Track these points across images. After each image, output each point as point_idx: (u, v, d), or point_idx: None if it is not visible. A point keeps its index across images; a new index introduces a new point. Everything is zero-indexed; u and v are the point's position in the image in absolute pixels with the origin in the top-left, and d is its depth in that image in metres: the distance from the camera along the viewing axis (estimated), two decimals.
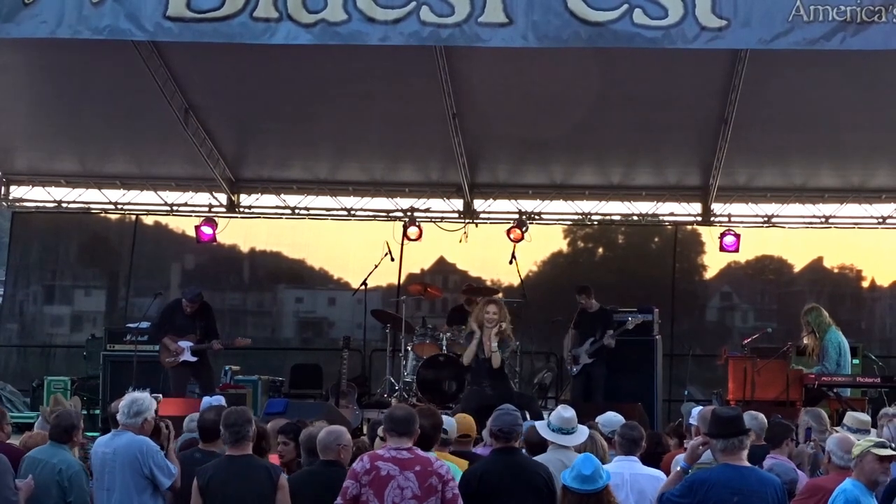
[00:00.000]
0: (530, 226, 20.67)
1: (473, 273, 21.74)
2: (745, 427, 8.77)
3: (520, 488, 9.29)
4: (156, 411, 10.46)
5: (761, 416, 11.16)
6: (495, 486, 9.25)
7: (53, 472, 10.14)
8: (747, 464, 8.69)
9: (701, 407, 11.34)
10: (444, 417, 10.96)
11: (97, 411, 16.94)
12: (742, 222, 21.19)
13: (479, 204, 21.43)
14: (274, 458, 10.52)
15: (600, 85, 17.25)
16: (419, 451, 8.82)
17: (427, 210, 21.46)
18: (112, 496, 9.97)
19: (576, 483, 8.56)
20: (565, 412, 10.44)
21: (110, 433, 10.39)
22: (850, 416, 11.24)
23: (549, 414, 10.88)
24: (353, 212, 21.59)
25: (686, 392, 18.54)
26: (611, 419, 11.21)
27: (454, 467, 9.35)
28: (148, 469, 9.94)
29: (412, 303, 20.25)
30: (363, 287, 19.57)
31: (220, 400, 12.86)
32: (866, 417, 11.32)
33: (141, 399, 10.33)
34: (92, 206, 21.89)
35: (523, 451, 10.13)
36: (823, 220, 21.11)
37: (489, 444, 10.44)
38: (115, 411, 11.04)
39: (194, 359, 17.36)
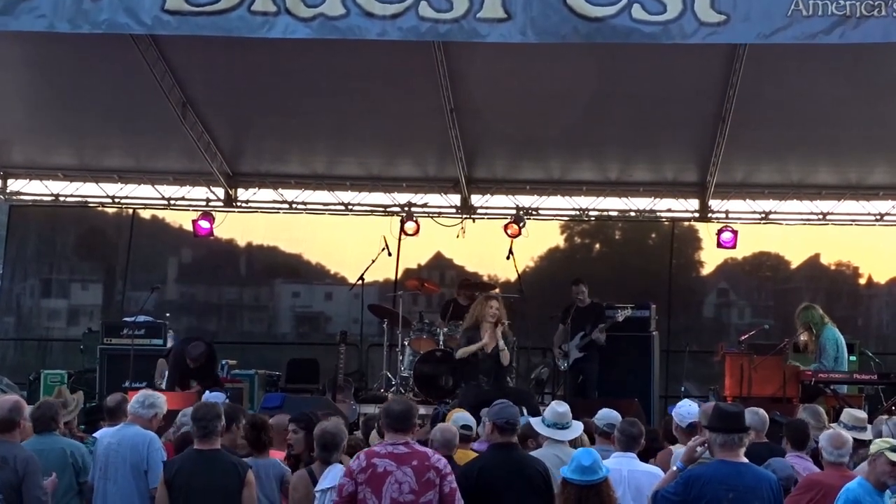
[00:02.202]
0: (527, 221, 20.65)
1: (470, 268, 21.80)
2: (745, 425, 8.82)
3: (517, 483, 9.36)
4: None
5: (762, 412, 11.16)
6: (493, 482, 9.32)
7: (66, 457, 10.25)
8: (744, 460, 8.70)
9: (699, 403, 11.25)
10: (465, 415, 11.06)
11: (93, 404, 16.87)
12: (739, 218, 21.15)
13: (476, 199, 21.40)
14: (277, 454, 10.56)
15: (598, 81, 17.21)
16: (416, 446, 8.81)
17: (424, 205, 21.38)
18: (113, 486, 10.05)
19: (575, 475, 8.60)
20: (559, 407, 10.60)
21: (119, 424, 10.50)
22: (847, 413, 11.26)
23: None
24: (350, 207, 21.57)
25: (682, 388, 18.51)
26: (607, 414, 11.26)
27: None
28: (145, 464, 10.03)
29: (409, 298, 20.30)
30: (360, 282, 19.57)
31: (220, 396, 13.05)
32: (863, 414, 11.36)
33: (155, 395, 10.59)
34: (89, 199, 21.85)
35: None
36: (821, 216, 21.06)
37: (484, 440, 10.46)
38: (111, 405, 11.40)
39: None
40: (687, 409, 10.70)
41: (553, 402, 10.99)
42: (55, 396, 12.23)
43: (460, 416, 11.11)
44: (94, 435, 11.19)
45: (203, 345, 17.19)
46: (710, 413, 9.16)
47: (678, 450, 10.13)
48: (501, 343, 15.03)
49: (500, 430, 9.64)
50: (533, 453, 10.13)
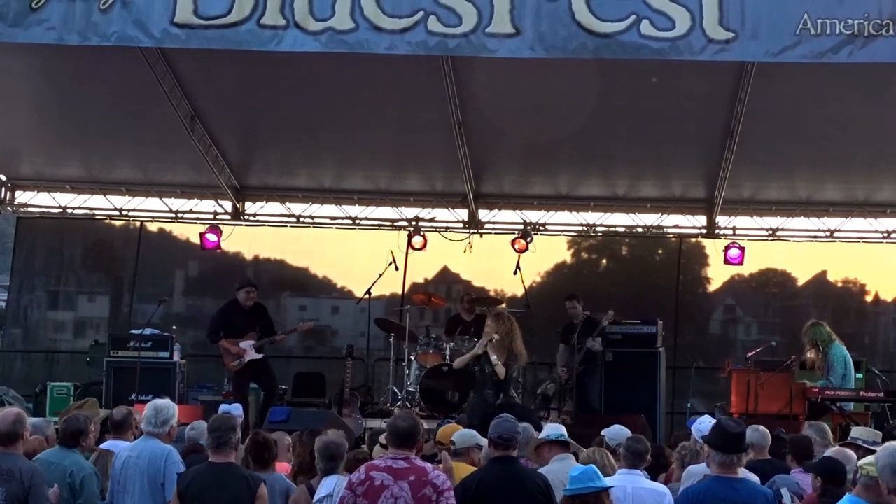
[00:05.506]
0: (535, 236, 20.61)
1: (477, 283, 21.73)
2: (745, 446, 8.88)
3: (517, 497, 9.29)
4: None
5: (763, 429, 11.18)
6: (492, 495, 9.26)
7: (64, 475, 10.18)
8: (740, 475, 8.76)
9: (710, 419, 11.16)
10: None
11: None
12: (747, 235, 21.13)
13: (483, 214, 21.38)
14: (282, 468, 10.62)
15: (607, 96, 17.18)
16: (416, 461, 8.74)
17: (432, 220, 21.44)
18: (130, 498, 10.05)
19: (568, 484, 8.62)
20: (552, 423, 10.97)
21: (140, 437, 10.46)
22: (860, 430, 11.36)
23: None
24: (357, 220, 21.56)
25: (689, 405, 18.52)
26: (618, 432, 11.29)
27: None
28: (163, 477, 9.99)
29: (416, 312, 20.37)
30: (367, 296, 19.49)
31: (238, 408, 13.01)
32: (876, 431, 11.46)
33: (166, 407, 10.47)
34: (96, 211, 21.87)
35: (521, 460, 10.16)
36: (828, 233, 21.04)
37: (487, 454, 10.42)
38: (118, 418, 11.40)
39: (259, 356, 17.77)
40: (706, 426, 10.48)
41: (548, 424, 11.20)
42: (88, 408, 12.21)
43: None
44: (102, 445, 11.22)
45: (245, 277, 18.88)
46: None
47: (695, 468, 10.06)
48: (493, 357, 15.04)
49: (495, 445, 9.57)
50: (541, 469, 10.10)
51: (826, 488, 9.09)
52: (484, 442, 10.71)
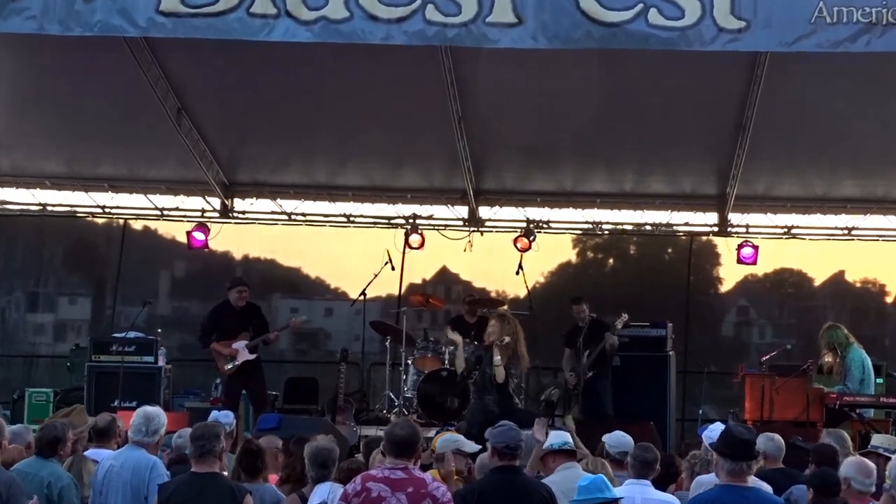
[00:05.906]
0: (538, 235, 20.44)
1: (478, 284, 21.63)
2: (755, 453, 8.69)
3: None
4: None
5: (778, 437, 11.05)
6: None
7: (41, 486, 10.05)
8: (750, 484, 8.55)
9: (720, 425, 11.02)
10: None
11: None
12: (760, 233, 20.84)
13: (484, 211, 21.14)
14: (274, 479, 10.49)
15: (612, 88, 17.06)
16: (415, 472, 8.57)
17: (430, 217, 21.11)
18: None
19: (574, 495, 8.68)
20: (556, 431, 11.12)
21: (125, 446, 10.46)
22: (881, 438, 11.41)
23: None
24: (352, 218, 21.30)
25: (700, 411, 18.46)
26: (619, 439, 11.16)
27: None
28: (146, 490, 9.93)
29: (413, 314, 20.26)
30: (362, 297, 19.47)
31: (228, 416, 13.18)
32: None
33: (157, 416, 10.46)
34: (78, 209, 21.59)
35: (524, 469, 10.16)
36: (845, 231, 20.71)
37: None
38: (102, 426, 11.38)
39: (253, 356, 17.60)
40: (718, 434, 10.36)
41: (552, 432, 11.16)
42: (76, 416, 11.98)
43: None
44: (86, 453, 11.07)
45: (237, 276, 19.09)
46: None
47: (705, 478, 9.87)
48: (497, 359, 15.09)
49: (499, 455, 9.40)
50: (546, 479, 10.02)
51: (817, 499, 9.27)
52: (470, 448, 10.80)
